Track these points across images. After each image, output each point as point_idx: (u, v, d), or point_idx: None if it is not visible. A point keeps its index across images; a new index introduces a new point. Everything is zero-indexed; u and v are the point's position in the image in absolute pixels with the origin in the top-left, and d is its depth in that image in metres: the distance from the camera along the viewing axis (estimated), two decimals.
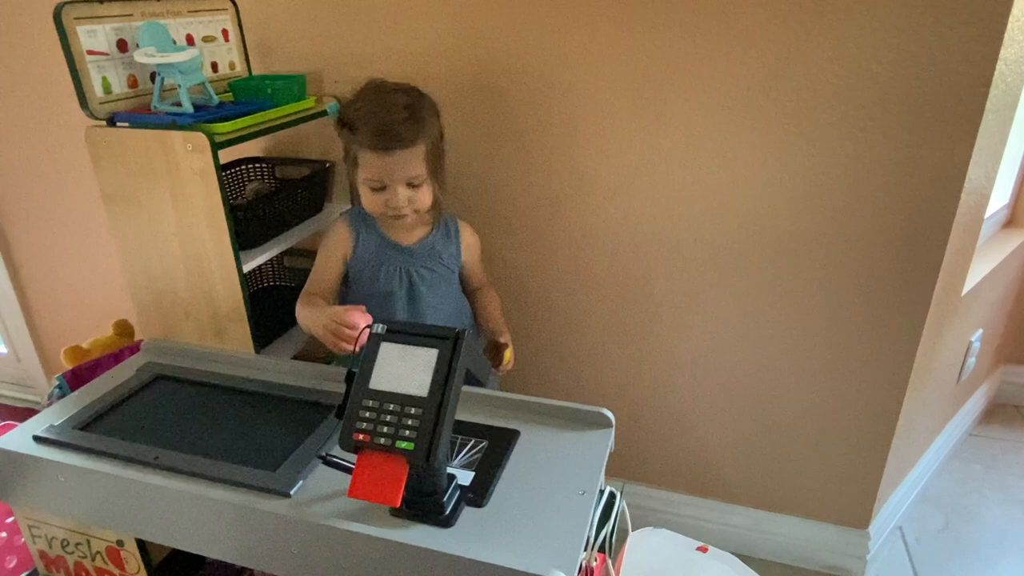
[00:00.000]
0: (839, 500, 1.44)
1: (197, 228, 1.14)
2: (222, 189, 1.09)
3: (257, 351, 1.19)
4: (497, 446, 0.92)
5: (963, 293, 1.46)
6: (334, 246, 1.21)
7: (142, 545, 0.97)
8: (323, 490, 0.84)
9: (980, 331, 1.72)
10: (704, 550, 0.95)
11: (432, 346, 0.73)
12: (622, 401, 1.48)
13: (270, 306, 1.36)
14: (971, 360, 1.73)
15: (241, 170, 1.45)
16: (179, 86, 1.14)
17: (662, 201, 1.29)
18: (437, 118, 1.14)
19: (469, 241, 1.26)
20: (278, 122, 1.23)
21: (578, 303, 1.44)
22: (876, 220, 1.18)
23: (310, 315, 1.11)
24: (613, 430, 0.96)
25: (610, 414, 0.96)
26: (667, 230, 1.31)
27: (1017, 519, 1.65)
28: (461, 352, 0.72)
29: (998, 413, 2.05)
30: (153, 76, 1.18)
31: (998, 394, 2.08)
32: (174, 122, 1.11)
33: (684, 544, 0.96)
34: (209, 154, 1.07)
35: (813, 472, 1.43)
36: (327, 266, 1.21)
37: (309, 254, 1.52)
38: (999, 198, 1.73)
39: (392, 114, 1.06)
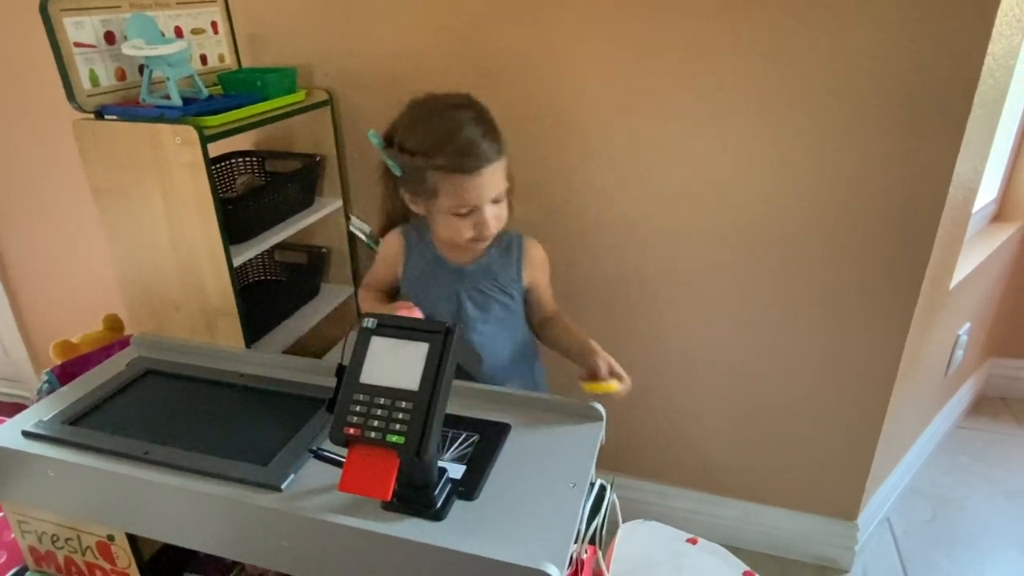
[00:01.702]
0: (828, 492, 1.45)
1: (187, 222, 1.13)
2: (212, 183, 1.09)
3: (248, 345, 1.19)
4: (488, 440, 0.92)
5: (951, 287, 1.47)
6: (386, 260, 1.15)
7: (133, 540, 0.96)
8: (314, 484, 0.84)
9: (967, 325, 1.74)
10: (694, 542, 0.96)
11: (423, 340, 0.73)
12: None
13: (261, 300, 1.36)
14: (958, 353, 1.75)
15: (231, 164, 1.44)
16: (167, 79, 1.13)
17: (654, 195, 1.29)
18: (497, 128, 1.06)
19: (536, 260, 1.13)
20: (268, 115, 1.22)
21: (570, 295, 1.44)
22: (864, 215, 1.19)
23: (370, 306, 1.11)
24: (604, 423, 0.96)
25: (601, 408, 0.97)
26: (659, 223, 1.31)
27: (1003, 510, 1.68)
28: (452, 346, 0.72)
29: (985, 406, 2.07)
30: (141, 69, 1.17)
31: (985, 387, 2.10)
32: (163, 115, 1.10)
33: (674, 536, 0.96)
34: (198, 147, 1.07)
35: (802, 464, 1.44)
36: (381, 277, 1.17)
37: (300, 248, 1.52)
38: (987, 192, 1.75)
39: (470, 131, 0.98)
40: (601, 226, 1.35)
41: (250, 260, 1.51)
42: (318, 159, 1.41)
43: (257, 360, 1.10)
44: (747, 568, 0.93)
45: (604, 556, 0.86)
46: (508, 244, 1.11)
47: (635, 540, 0.91)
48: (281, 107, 1.27)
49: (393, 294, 1.20)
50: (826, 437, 1.40)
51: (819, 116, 1.15)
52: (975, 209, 1.51)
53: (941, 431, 1.91)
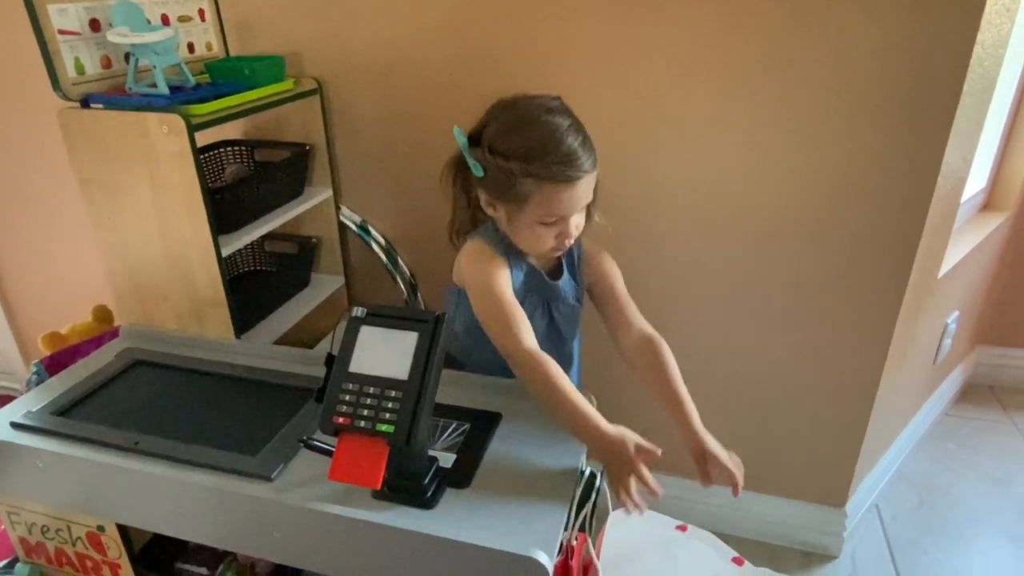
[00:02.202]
0: (817, 479, 1.47)
1: (175, 212, 1.13)
2: (200, 172, 1.08)
3: (237, 336, 1.18)
4: (479, 429, 0.92)
5: (939, 276, 1.48)
6: (496, 265, 1.00)
7: (123, 530, 0.96)
8: (304, 474, 0.84)
9: (956, 313, 1.75)
10: (684, 529, 0.96)
11: (412, 329, 0.73)
12: (603, 382, 1.49)
13: (251, 291, 1.35)
14: (947, 341, 1.76)
15: (219, 153, 1.43)
16: (154, 67, 1.12)
17: (646, 187, 1.29)
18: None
19: (592, 252, 1.09)
20: (256, 104, 1.21)
21: None
22: (854, 204, 1.19)
23: (579, 422, 0.87)
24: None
25: (591, 396, 0.97)
26: (651, 215, 1.31)
27: (989, 496, 1.70)
28: (441, 335, 0.72)
29: (972, 393, 2.09)
30: (127, 57, 1.16)
31: (973, 375, 2.12)
32: (149, 104, 1.09)
33: (664, 523, 0.97)
34: (186, 136, 1.06)
35: (792, 452, 1.45)
36: (512, 300, 0.97)
37: (290, 238, 1.51)
38: (976, 182, 1.75)
39: (571, 141, 0.94)
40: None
41: (240, 250, 1.51)
42: (308, 148, 1.41)
43: (247, 351, 1.10)
44: (736, 554, 0.93)
45: (594, 543, 0.86)
46: (570, 253, 1.08)
47: (625, 527, 0.92)
48: (269, 96, 1.26)
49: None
50: (815, 425, 1.41)
51: (808, 106, 1.15)
52: (964, 198, 1.52)
53: (929, 419, 1.92)
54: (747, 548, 1.51)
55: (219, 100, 1.14)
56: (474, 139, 1.00)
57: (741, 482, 0.90)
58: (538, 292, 1.06)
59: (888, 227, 1.20)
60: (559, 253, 1.03)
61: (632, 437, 0.85)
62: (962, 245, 1.61)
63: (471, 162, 0.99)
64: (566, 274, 1.08)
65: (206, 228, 1.11)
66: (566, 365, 1.01)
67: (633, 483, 0.83)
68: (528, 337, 0.93)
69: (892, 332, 1.27)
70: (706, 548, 0.95)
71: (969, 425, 1.96)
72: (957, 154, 1.21)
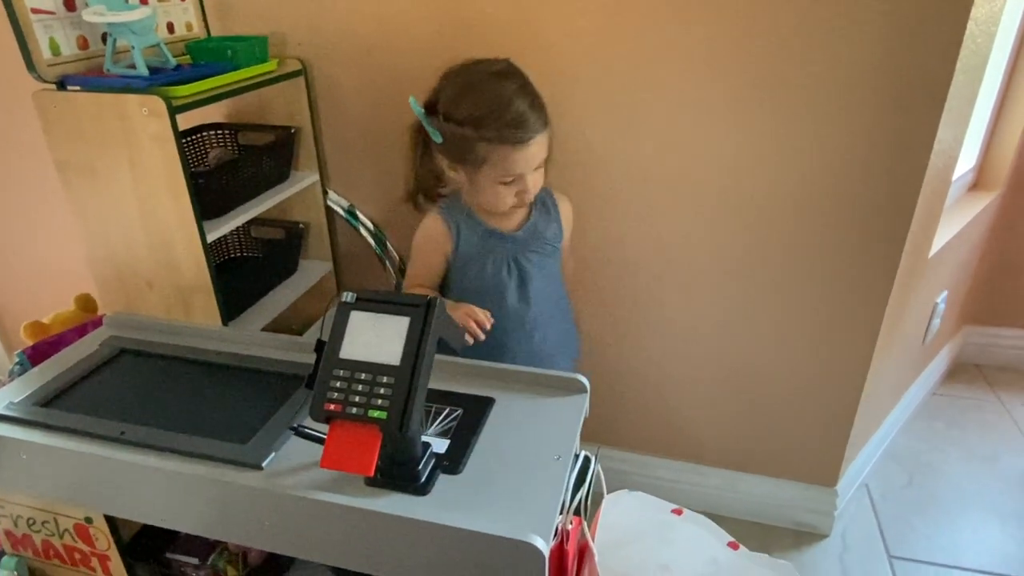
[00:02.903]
0: (808, 459, 1.48)
1: (157, 197, 1.10)
2: (182, 156, 1.05)
3: (225, 323, 1.16)
4: (472, 414, 0.91)
5: (930, 255, 1.48)
6: (432, 245, 1.15)
7: (111, 521, 0.95)
8: (295, 462, 0.83)
9: (945, 293, 1.76)
10: (679, 512, 0.96)
11: (403, 314, 0.72)
12: (596, 366, 1.49)
13: (238, 277, 1.33)
14: (936, 321, 1.77)
15: (202, 136, 1.40)
16: (132, 47, 1.09)
17: (636, 164, 1.28)
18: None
19: (568, 214, 1.21)
20: (239, 85, 1.18)
21: None
22: (846, 183, 1.19)
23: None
24: (588, 395, 0.96)
25: (584, 380, 0.96)
26: (641, 193, 1.30)
27: (977, 475, 1.72)
28: (433, 320, 0.71)
29: (960, 373, 2.11)
30: (104, 37, 1.12)
31: (960, 354, 2.14)
32: (128, 85, 1.06)
33: (659, 507, 0.97)
34: (167, 119, 1.03)
35: (783, 433, 1.46)
36: (428, 264, 1.17)
37: (277, 224, 1.48)
38: (966, 161, 1.75)
39: (519, 103, 1.00)
40: (582, 199, 1.33)
41: (225, 236, 1.48)
42: (293, 131, 1.38)
43: (234, 338, 1.08)
44: (731, 539, 0.93)
45: (589, 527, 0.86)
46: (544, 203, 1.17)
47: (620, 511, 0.92)
48: (252, 77, 1.23)
49: (440, 285, 1.20)
50: (807, 405, 1.41)
51: (801, 84, 1.14)
52: (954, 177, 1.52)
53: (918, 398, 1.94)
54: (740, 528, 1.52)
55: (201, 81, 1.11)
56: (430, 107, 1.06)
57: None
58: (500, 249, 1.13)
59: (881, 206, 1.19)
60: (521, 208, 1.11)
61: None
62: (952, 225, 1.61)
63: (429, 129, 1.05)
64: (538, 221, 1.15)
65: (190, 213, 1.09)
66: (453, 330, 0.98)
67: (469, 316, 1.02)
68: (411, 285, 1.17)
69: (883, 312, 1.28)
70: (702, 532, 0.95)
71: (957, 404, 1.98)
72: (949, 132, 1.20)
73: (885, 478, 1.70)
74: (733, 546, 0.93)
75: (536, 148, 1.03)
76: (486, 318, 1.04)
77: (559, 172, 1.32)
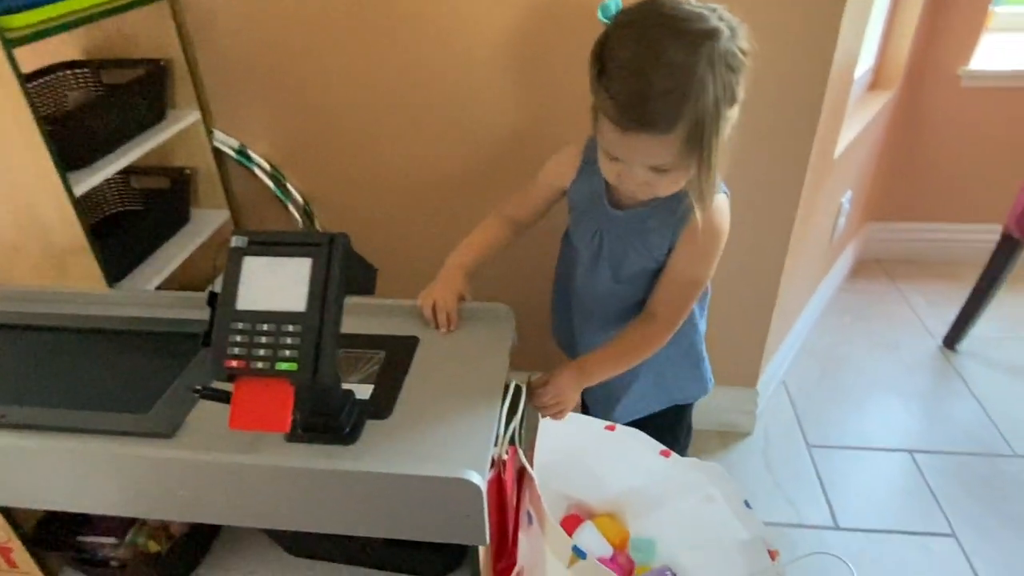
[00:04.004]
0: (730, 363, 1.52)
1: (8, 148, 0.96)
2: (27, 97, 0.91)
3: (111, 285, 1.05)
4: (395, 355, 0.87)
5: (835, 156, 1.51)
6: (553, 168, 0.99)
7: (7, 512, 0.86)
8: (207, 426, 0.77)
9: (849, 192, 1.82)
10: (612, 428, 0.97)
11: (304, 255, 0.65)
12: (521, 293, 1.46)
13: (121, 235, 1.20)
14: (841, 220, 1.84)
15: (57, 78, 1.22)
16: None
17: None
18: (723, 80, 0.76)
19: (692, 229, 0.88)
20: (91, 11, 1.03)
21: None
22: (752, 83, 1.16)
23: (450, 259, 0.97)
24: (513, 324, 0.93)
25: (508, 308, 0.93)
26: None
27: (882, 362, 1.84)
28: (339, 257, 0.65)
29: (863, 269, 2.23)
30: None
31: (863, 250, 2.25)
32: None
33: (593, 425, 0.97)
34: (3, 55, 0.88)
35: (708, 340, 1.49)
36: (539, 184, 1.00)
37: (160, 171, 1.35)
38: (865, 60, 1.78)
39: (652, 80, 0.73)
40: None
41: (101, 189, 1.34)
42: (162, 64, 1.23)
43: (123, 300, 0.98)
44: (663, 447, 0.95)
45: (527, 454, 0.85)
46: (677, 204, 0.88)
47: (556, 433, 0.91)
48: (104, 2, 1.07)
49: (528, 224, 1.04)
50: (727, 310, 1.44)
51: None
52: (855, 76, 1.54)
53: (827, 295, 2.04)
54: None
55: (42, 8, 0.95)
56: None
57: (546, 415, 0.91)
58: (593, 213, 0.95)
59: (788, 108, 1.19)
60: (628, 193, 0.88)
61: (458, 281, 0.93)
62: (854, 124, 1.65)
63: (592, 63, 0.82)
64: (651, 218, 0.91)
65: (49, 164, 0.96)
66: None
67: (431, 304, 0.90)
68: (509, 205, 1.03)
69: (795, 214, 1.30)
70: (635, 444, 0.96)
71: (862, 298, 2.10)
72: (851, 28, 1.20)
73: (800, 373, 1.80)
74: (665, 454, 0.95)
75: (644, 145, 0.78)
76: (446, 321, 0.90)
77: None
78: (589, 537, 0.90)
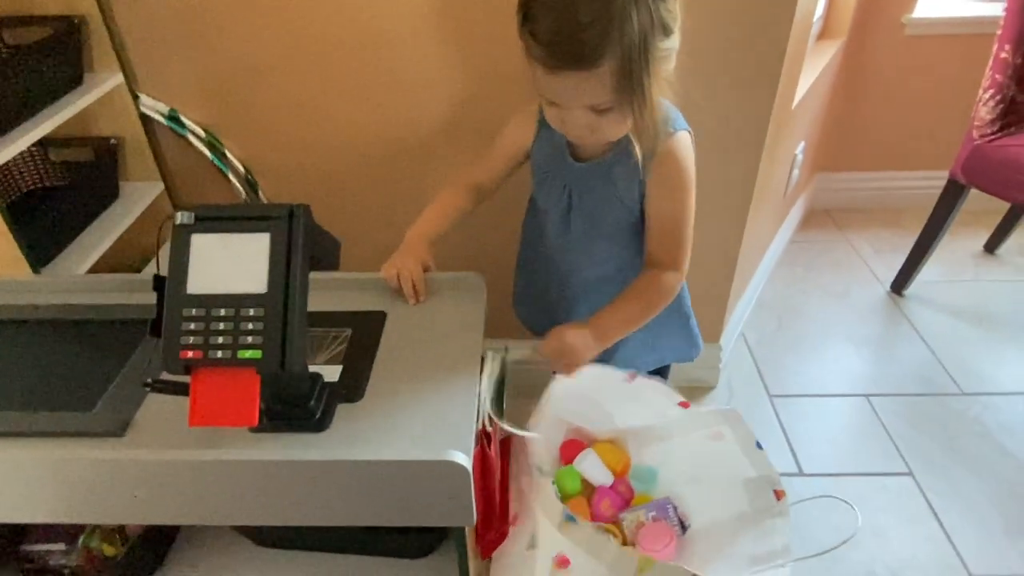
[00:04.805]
0: (696, 318, 1.52)
1: None
2: None
3: (36, 271, 0.95)
4: (363, 332, 0.82)
5: (793, 106, 1.50)
6: (513, 132, 0.95)
7: None
8: (162, 421, 0.70)
9: (803, 143, 1.83)
10: (632, 377, 0.92)
11: (261, 230, 0.59)
12: (492, 259, 1.41)
13: (42, 214, 1.09)
14: (796, 172, 1.85)
15: None
16: None
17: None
18: (648, 8, 0.72)
19: (663, 155, 0.85)
20: None
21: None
22: (713, 29, 1.13)
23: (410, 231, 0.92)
24: (484, 292, 0.88)
25: (479, 276, 0.89)
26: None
27: (833, 310, 1.88)
28: (300, 231, 0.59)
29: (813, 220, 2.27)
30: None
31: (813, 201, 2.29)
32: None
33: (614, 374, 0.91)
34: None
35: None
36: (497, 149, 0.97)
37: (81, 142, 1.22)
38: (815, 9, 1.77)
39: (570, 16, 0.71)
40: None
41: (15, 164, 1.22)
42: (75, 21, 1.10)
43: (51, 287, 0.89)
44: (683, 399, 0.92)
45: (504, 419, 0.80)
46: (635, 148, 0.85)
47: (580, 384, 0.86)
48: None
49: (490, 191, 1.00)
50: (691, 267, 1.43)
51: None
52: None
53: (780, 247, 2.07)
54: None
55: None
56: None
57: (558, 368, 0.88)
58: (558, 170, 0.92)
59: (750, 57, 1.16)
60: (577, 139, 0.86)
61: (421, 250, 0.89)
62: (808, 74, 1.64)
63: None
64: (615, 164, 0.88)
65: None
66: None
67: (395, 274, 0.86)
68: (468, 173, 0.99)
69: (758, 168, 1.28)
70: (655, 394, 0.92)
71: (812, 249, 2.13)
72: None
73: (758, 325, 1.82)
74: (684, 405, 0.92)
75: (574, 84, 0.74)
76: (413, 292, 0.86)
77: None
78: (590, 464, 0.86)
